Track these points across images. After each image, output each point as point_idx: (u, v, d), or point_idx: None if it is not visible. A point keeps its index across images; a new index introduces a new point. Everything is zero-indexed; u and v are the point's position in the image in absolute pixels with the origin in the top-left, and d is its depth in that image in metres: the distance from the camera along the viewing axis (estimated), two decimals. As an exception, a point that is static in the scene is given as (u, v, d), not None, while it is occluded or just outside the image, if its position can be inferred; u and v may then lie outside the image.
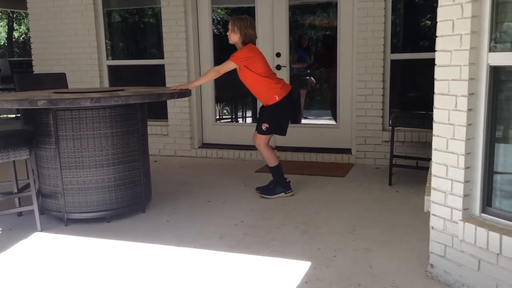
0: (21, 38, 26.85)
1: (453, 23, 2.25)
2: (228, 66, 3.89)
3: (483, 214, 2.28)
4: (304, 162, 5.30)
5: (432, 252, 2.52)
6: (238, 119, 6.72)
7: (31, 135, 3.56)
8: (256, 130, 4.07)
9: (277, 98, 3.94)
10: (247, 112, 6.59)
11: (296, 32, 5.94)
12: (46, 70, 6.14)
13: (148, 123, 3.96)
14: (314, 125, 6.05)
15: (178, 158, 5.82)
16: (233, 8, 6.36)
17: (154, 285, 2.57)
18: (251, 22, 3.92)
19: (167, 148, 5.93)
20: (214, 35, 5.81)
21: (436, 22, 2.35)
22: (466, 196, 2.30)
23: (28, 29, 15.37)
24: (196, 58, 5.76)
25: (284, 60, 5.47)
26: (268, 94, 3.96)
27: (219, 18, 6.27)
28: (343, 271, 2.66)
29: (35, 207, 3.42)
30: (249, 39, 3.89)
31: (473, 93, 2.24)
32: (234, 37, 3.89)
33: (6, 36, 26.49)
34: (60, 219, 3.53)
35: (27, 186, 3.83)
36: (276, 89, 3.94)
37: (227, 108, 6.69)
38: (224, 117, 6.63)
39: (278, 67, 5.46)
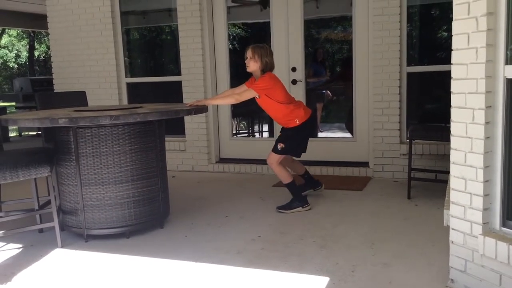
0: (41, 57, 27.46)
1: (469, 37, 2.25)
2: (249, 94, 3.93)
3: (503, 228, 2.26)
4: (321, 176, 5.29)
5: (452, 267, 2.49)
6: (255, 134, 6.74)
7: (52, 152, 3.63)
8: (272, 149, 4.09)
9: (297, 122, 3.97)
10: (263, 127, 6.62)
11: (311, 47, 5.98)
12: (67, 88, 6.28)
13: (166, 139, 4.01)
14: (330, 138, 6.04)
15: (196, 173, 5.86)
16: (249, 24, 6.44)
17: (173, 301, 2.58)
18: (270, 50, 3.95)
19: (184, 163, 5.98)
20: (230, 51, 5.87)
21: (452, 35, 2.36)
22: (486, 210, 2.28)
23: (48, 48, 15.71)
24: (212, 74, 5.82)
25: (300, 75, 5.49)
26: (288, 119, 3.99)
27: (234, 34, 6.34)
28: (362, 287, 2.64)
29: (55, 223, 3.47)
30: (268, 68, 3.92)
31: (490, 106, 2.23)
32: (254, 65, 3.92)
33: (27, 55, 27.11)
34: (80, 235, 3.58)
35: (48, 203, 3.89)
36: (296, 114, 3.97)
37: (243, 123, 6.73)
38: (241, 132, 6.66)
39: (294, 82, 5.48)
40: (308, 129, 4.12)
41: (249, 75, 4.07)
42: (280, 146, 3.99)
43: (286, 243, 3.34)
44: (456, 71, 2.35)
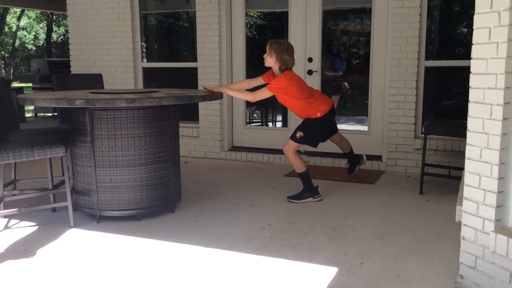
0: (59, 39, 27.67)
1: (490, 31, 2.22)
2: (265, 94, 3.93)
3: (516, 226, 2.24)
4: (333, 168, 5.28)
5: (462, 263, 2.48)
6: (268, 123, 6.74)
7: (67, 133, 3.67)
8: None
9: (319, 115, 3.97)
10: (277, 117, 6.61)
11: (329, 38, 5.94)
12: (83, 71, 6.33)
13: (180, 124, 4.02)
14: (344, 131, 6.00)
15: (208, 160, 5.88)
16: (266, 13, 6.40)
17: (182, 285, 2.61)
18: (288, 47, 3.88)
19: (197, 150, 6.00)
20: (247, 39, 5.85)
21: (472, 30, 2.32)
22: (499, 207, 2.26)
23: (66, 31, 15.81)
24: (228, 62, 5.82)
25: (316, 65, 5.46)
26: (308, 113, 4.00)
27: (252, 22, 6.32)
28: (370, 279, 2.64)
29: (69, 203, 3.51)
30: (285, 65, 3.87)
31: (508, 102, 2.19)
32: (269, 61, 3.90)
33: (45, 37, 27.34)
34: (92, 216, 3.63)
35: (62, 183, 3.94)
36: (317, 108, 3.97)
37: (257, 112, 6.72)
38: (254, 120, 6.66)
39: (310, 72, 5.46)
40: (328, 123, 4.12)
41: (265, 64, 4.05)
42: (299, 134, 3.99)
43: (296, 233, 3.35)
44: (475, 65, 2.32)
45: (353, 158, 4.60)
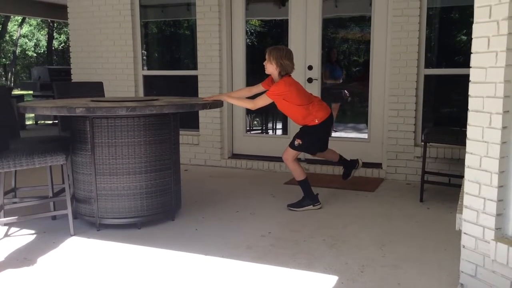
0: (60, 47, 27.75)
1: (489, 40, 2.23)
2: (265, 101, 3.93)
3: (516, 235, 2.23)
4: (334, 176, 5.28)
5: (462, 271, 2.47)
6: (269, 131, 6.75)
7: (68, 141, 3.68)
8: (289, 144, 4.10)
9: (316, 122, 3.97)
10: (277, 124, 6.62)
11: (328, 46, 5.96)
12: (84, 79, 6.34)
13: (180, 132, 4.03)
14: (344, 138, 6.02)
15: (208, 167, 5.88)
16: (266, 21, 6.43)
17: (182, 293, 2.61)
18: (287, 52, 3.90)
19: (197, 157, 6.00)
20: (247, 47, 5.87)
21: (472, 38, 2.34)
22: (499, 215, 2.26)
23: (67, 38, 15.86)
24: (229, 70, 5.84)
25: (316, 73, 5.48)
26: (306, 120, 3.99)
27: (252, 30, 6.34)
28: (371, 287, 2.63)
29: (69, 211, 3.51)
30: (285, 71, 3.88)
31: (508, 111, 2.20)
32: (270, 68, 3.91)
33: (46, 44, 27.43)
34: (92, 224, 3.62)
35: (62, 190, 3.95)
36: (315, 114, 3.96)
37: (257, 119, 6.73)
38: (254, 128, 6.67)
39: (310, 80, 5.47)
40: (327, 130, 4.12)
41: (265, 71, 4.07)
42: (297, 142, 4.00)
43: (296, 241, 3.35)
44: (474, 74, 2.33)
45: (347, 163, 4.50)
